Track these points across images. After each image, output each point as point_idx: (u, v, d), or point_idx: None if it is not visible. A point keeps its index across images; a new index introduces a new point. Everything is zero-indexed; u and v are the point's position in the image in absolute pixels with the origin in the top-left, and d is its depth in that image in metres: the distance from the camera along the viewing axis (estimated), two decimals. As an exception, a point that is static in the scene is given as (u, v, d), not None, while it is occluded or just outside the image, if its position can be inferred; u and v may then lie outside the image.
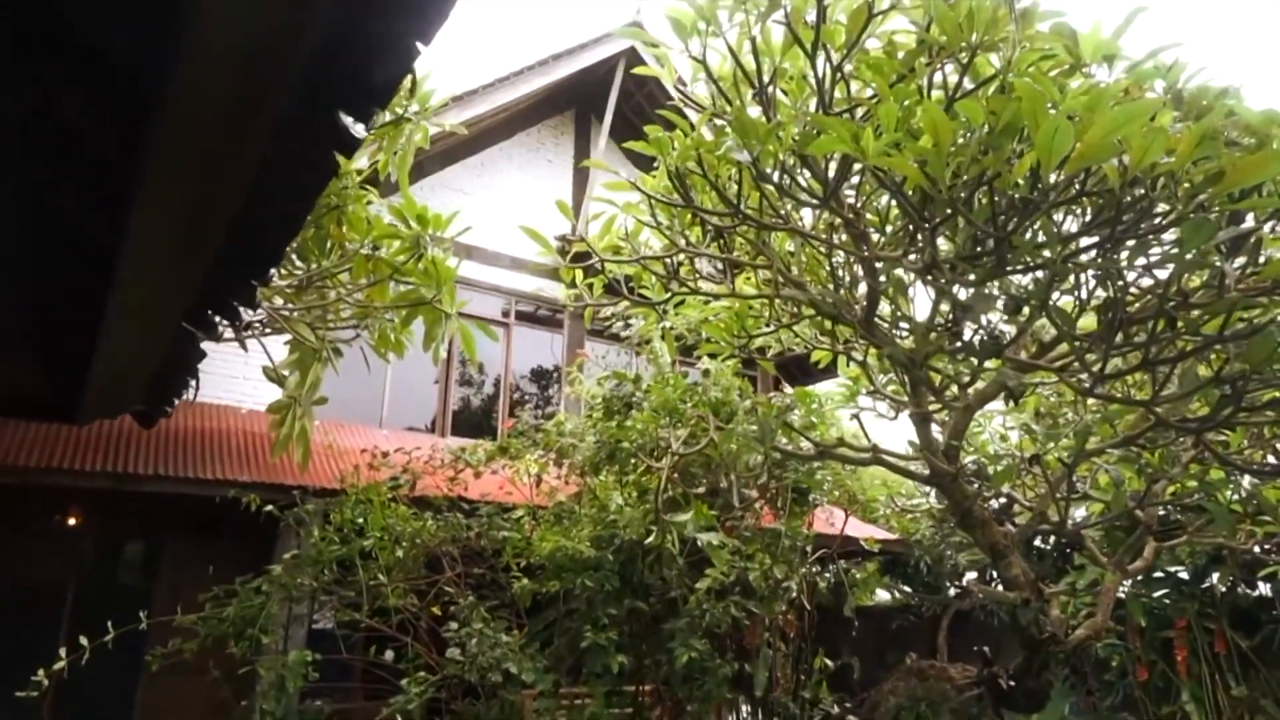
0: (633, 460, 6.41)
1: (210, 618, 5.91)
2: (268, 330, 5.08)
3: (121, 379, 3.30)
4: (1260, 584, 9.36)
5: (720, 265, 4.52)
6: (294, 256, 4.79)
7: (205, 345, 3.31)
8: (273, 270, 3.31)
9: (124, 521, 7.90)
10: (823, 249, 4.22)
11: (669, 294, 4.58)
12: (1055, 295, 3.18)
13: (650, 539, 5.85)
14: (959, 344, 3.56)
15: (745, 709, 7.00)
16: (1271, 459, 4.67)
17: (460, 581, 6.77)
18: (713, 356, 5.65)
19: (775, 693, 6.82)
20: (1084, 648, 4.46)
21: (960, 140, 2.63)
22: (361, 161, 4.84)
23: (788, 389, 9.88)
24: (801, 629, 7.43)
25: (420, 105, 4.94)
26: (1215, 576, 9.58)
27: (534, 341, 11.69)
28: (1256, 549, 4.60)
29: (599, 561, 6.25)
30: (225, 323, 3.19)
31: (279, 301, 4.99)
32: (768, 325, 4.85)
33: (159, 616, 5.76)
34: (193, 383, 3.83)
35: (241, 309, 2.76)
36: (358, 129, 1.63)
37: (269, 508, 6.36)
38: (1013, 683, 4.59)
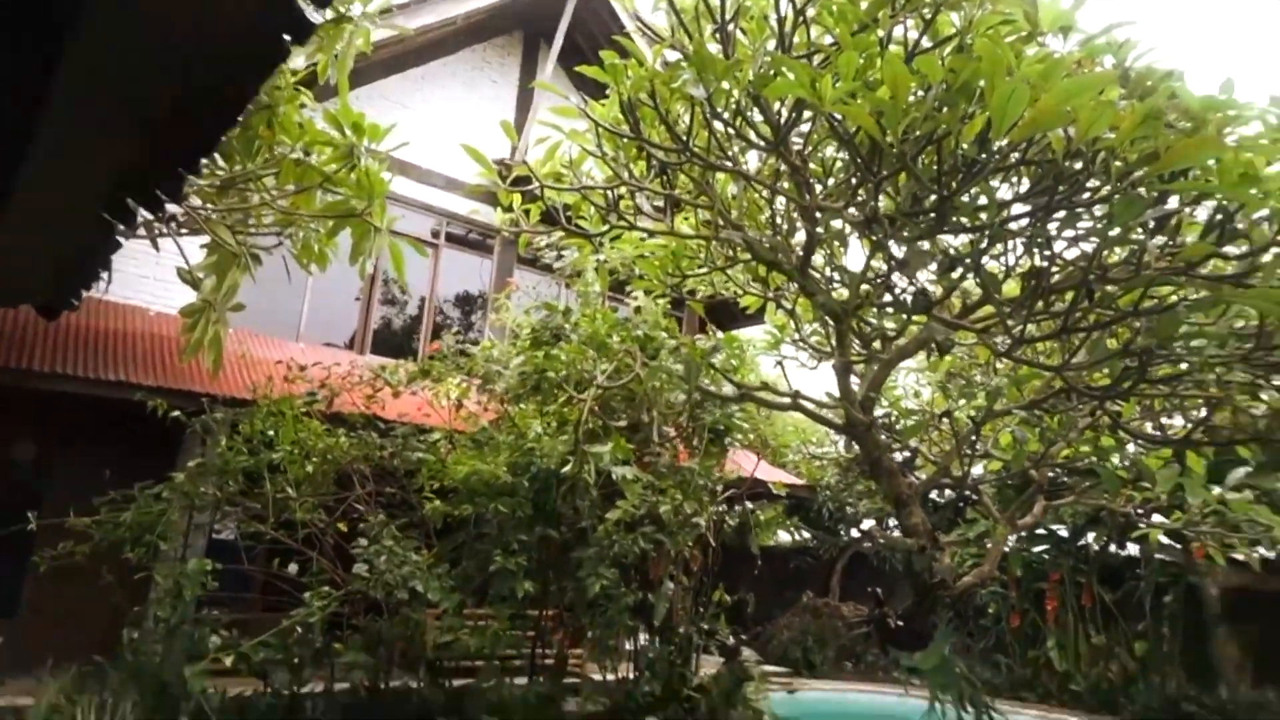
0: (556, 391, 6.42)
1: (106, 522, 5.74)
2: (183, 230, 4.84)
3: (27, 265, 3.09)
4: (1130, 545, 10.19)
5: (660, 203, 4.50)
6: (216, 155, 4.54)
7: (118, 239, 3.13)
8: (203, 161, 3.14)
9: (18, 420, 7.49)
10: (765, 194, 4.24)
11: (607, 226, 4.54)
12: (985, 259, 3.29)
13: (567, 469, 5.90)
14: (889, 298, 3.66)
15: (644, 637, 7.21)
16: (1157, 430, 4.99)
17: (371, 500, 6.73)
18: (647, 294, 5.66)
19: (675, 623, 7.05)
20: (969, 594, 4.75)
21: (915, 96, 2.66)
22: (298, 61, 4.59)
23: (714, 332, 9.99)
24: (705, 564, 7.66)
25: (363, 5, 4.70)
26: (1091, 536, 10.43)
27: (462, 265, 11.46)
28: (1132, 511, 4.95)
29: (514, 488, 6.29)
30: (145, 214, 3.02)
31: (197, 202, 4.75)
32: (702, 267, 4.88)
33: (51, 519, 5.55)
34: (105, 275, 3.62)
35: (165, 200, 2.61)
36: (313, 13, 1.53)
37: (175, 414, 6.15)
38: (900, 623, 4.86)
